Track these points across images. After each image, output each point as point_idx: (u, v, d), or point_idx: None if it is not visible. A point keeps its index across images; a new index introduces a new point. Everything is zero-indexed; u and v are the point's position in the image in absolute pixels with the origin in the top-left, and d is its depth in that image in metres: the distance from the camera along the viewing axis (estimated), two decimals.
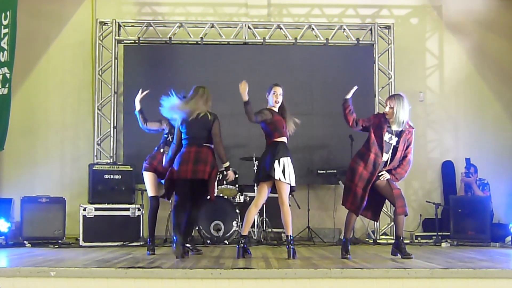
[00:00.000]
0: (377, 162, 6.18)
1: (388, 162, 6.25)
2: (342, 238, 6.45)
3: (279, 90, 6.36)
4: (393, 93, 9.41)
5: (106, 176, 8.35)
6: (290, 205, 6.28)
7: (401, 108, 6.19)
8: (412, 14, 10.03)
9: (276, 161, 6.05)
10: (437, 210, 8.51)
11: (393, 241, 8.69)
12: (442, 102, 9.95)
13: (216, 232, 8.06)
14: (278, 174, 6.03)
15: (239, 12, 9.93)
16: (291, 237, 6.14)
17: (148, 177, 6.78)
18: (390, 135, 6.23)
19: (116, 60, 9.39)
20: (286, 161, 6.11)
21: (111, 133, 9.27)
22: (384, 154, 6.21)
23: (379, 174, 6.19)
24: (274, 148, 6.14)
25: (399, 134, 6.23)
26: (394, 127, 6.23)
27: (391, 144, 6.23)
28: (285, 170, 6.07)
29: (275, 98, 6.32)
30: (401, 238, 6.27)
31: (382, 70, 9.50)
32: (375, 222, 9.11)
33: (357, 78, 9.21)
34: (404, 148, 6.27)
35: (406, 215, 6.25)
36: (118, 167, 8.47)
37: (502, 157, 9.66)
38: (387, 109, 6.29)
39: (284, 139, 6.26)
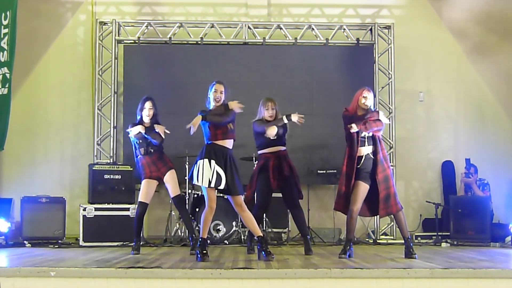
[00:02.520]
0: (352, 155, 6.16)
1: (372, 151, 6.18)
2: (343, 238, 6.40)
3: (220, 87, 6.03)
4: (393, 93, 9.46)
5: (106, 176, 8.35)
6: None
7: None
8: (412, 14, 10.02)
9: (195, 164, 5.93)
10: (437, 210, 8.52)
11: (393, 241, 8.81)
12: (442, 102, 9.95)
13: (216, 232, 8.07)
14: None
15: (239, 12, 9.93)
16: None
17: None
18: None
19: (116, 60, 9.39)
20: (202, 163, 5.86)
21: (111, 133, 9.27)
22: (364, 147, 6.16)
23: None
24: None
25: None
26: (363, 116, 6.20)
27: (366, 135, 6.18)
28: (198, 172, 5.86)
29: (215, 96, 5.99)
30: (405, 239, 6.24)
31: (382, 70, 9.50)
32: (375, 222, 9.15)
33: (357, 78, 9.24)
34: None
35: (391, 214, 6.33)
36: (118, 167, 8.47)
37: (502, 157, 9.65)
38: (368, 101, 6.20)
39: (216, 142, 5.92)
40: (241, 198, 6.03)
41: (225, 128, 5.92)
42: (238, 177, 5.99)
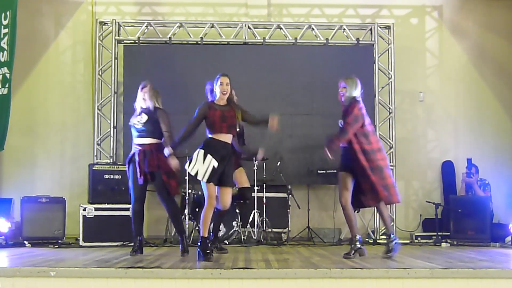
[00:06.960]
0: (380, 147, 6.20)
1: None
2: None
3: (226, 80, 5.96)
4: (393, 93, 9.46)
5: (106, 176, 8.34)
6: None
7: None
8: (412, 14, 10.02)
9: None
10: (437, 210, 8.51)
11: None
12: (442, 102, 9.94)
13: None
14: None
15: (239, 12, 9.93)
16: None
17: None
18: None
19: (116, 60, 9.38)
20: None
21: (111, 133, 9.27)
22: None
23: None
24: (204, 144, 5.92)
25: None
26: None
27: None
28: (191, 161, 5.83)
29: (222, 89, 5.92)
30: (388, 236, 6.25)
31: (382, 70, 9.50)
32: (375, 222, 9.14)
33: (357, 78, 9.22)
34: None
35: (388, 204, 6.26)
36: (118, 167, 8.45)
37: (502, 157, 9.65)
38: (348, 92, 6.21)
39: (219, 136, 5.88)
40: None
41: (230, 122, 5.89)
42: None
